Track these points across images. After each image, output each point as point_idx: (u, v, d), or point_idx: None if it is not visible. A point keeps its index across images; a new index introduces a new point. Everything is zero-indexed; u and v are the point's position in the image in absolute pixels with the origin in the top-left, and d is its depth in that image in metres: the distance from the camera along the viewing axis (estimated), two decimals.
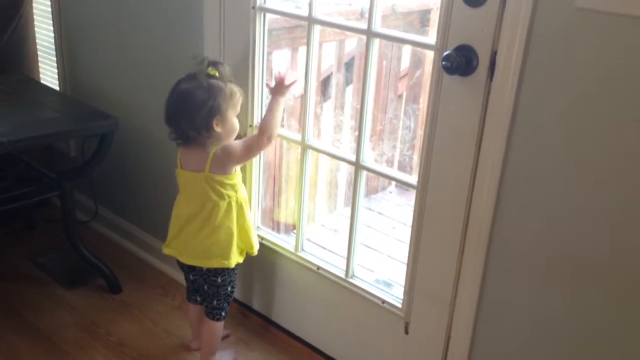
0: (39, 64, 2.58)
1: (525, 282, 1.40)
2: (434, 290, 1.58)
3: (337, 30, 2.26)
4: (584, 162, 1.25)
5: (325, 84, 2.68)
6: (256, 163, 1.93)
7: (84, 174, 2.09)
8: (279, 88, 1.69)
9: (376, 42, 1.58)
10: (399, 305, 1.67)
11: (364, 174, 1.70)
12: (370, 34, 1.55)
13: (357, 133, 1.67)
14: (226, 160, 1.65)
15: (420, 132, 2.64)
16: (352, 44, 2.71)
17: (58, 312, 2.06)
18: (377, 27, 1.55)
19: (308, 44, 1.69)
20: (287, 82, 1.68)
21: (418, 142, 2.70)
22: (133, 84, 2.23)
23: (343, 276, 1.78)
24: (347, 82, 2.74)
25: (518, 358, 1.46)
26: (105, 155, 2.02)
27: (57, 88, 2.51)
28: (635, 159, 1.19)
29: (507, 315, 1.46)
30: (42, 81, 2.56)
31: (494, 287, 1.46)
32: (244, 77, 1.84)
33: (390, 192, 3.07)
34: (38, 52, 2.56)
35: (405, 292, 1.65)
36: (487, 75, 1.34)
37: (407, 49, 2.79)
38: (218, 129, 1.61)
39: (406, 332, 1.67)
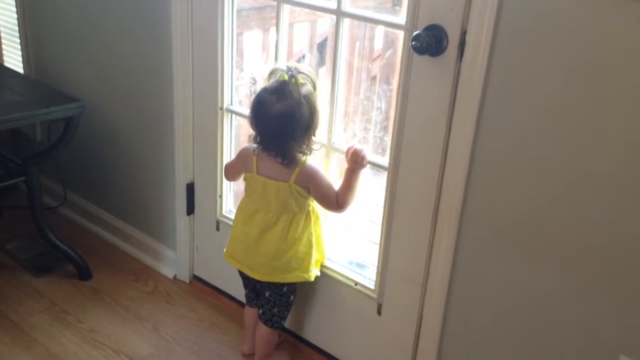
0: (2, 47, 2.51)
1: (496, 261, 1.41)
2: (406, 271, 1.58)
3: (308, 10, 2.23)
4: (554, 139, 1.26)
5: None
6: (228, 145, 1.91)
7: (50, 158, 2.05)
8: (355, 163, 1.57)
9: (346, 22, 1.56)
10: (372, 287, 1.68)
11: (335, 155, 1.69)
12: (340, 13, 1.53)
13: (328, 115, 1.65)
14: (307, 182, 1.57)
15: (392, 114, 2.63)
16: (325, 25, 2.68)
17: (27, 300, 2.02)
18: (347, 7, 1.53)
19: (277, 25, 1.66)
20: (361, 156, 1.56)
21: (390, 124, 2.69)
22: (100, 66, 2.18)
23: None
24: (320, 63, 2.71)
25: (489, 337, 1.48)
26: (72, 139, 1.97)
27: (22, 71, 2.45)
28: (607, 136, 1.19)
29: (479, 295, 1.46)
30: (5, 64, 2.49)
31: (465, 267, 1.47)
32: (212, 58, 1.81)
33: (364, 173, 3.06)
34: (1, 34, 2.49)
35: (377, 274, 1.65)
36: (457, 55, 1.34)
37: (380, 31, 2.77)
38: (316, 133, 1.56)
39: (379, 313, 1.67)
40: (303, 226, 1.61)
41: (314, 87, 1.54)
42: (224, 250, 1.73)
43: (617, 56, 1.14)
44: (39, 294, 2.06)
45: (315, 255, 1.65)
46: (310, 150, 1.56)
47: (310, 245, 1.63)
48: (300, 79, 1.51)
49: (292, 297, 1.71)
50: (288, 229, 1.59)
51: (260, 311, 1.73)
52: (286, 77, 1.50)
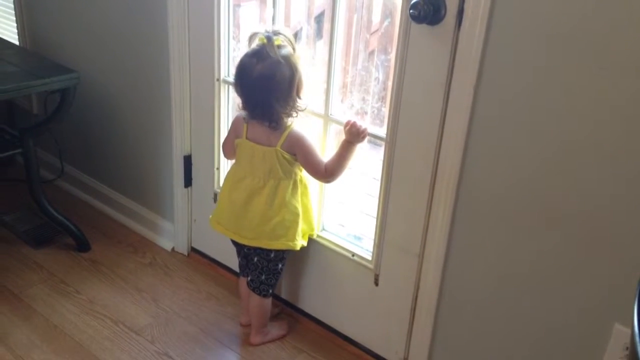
0: None
1: (492, 232, 1.42)
2: (403, 242, 1.59)
3: None
4: (551, 110, 1.25)
5: (295, 38, 2.63)
6: (225, 117, 1.90)
7: (47, 130, 2.04)
8: (353, 136, 1.57)
9: None
10: (369, 258, 1.68)
11: (333, 126, 1.68)
12: None
13: (325, 86, 1.65)
14: (294, 148, 1.59)
15: (389, 84, 2.61)
16: None
17: (26, 272, 2.03)
18: None
19: None
20: (361, 130, 1.55)
21: (387, 94, 2.67)
22: (96, 38, 2.16)
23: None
24: (318, 36, 2.69)
25: (485, 307, 1.49)
26: (68, 110, 1.96)
27: (17, 42, 2.42)
28: (602, 106, 1.19)
29: (475, 265, 1.47)
30: (0, 35, 2.46)
31: (461, 237, 1.47)
32: (209, 29, 1.79)
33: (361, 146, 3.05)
34: None
35: (374, 245, 1.66)
36: (455, 24, 1.32)
37: (379, 3, 2.74)
38: (301, 95, 1.56)
39: (376, 283, 1.68)
40: (290, 194, 1.62)
41: (294, 49, 1.55)
42: (210, 217, 1.73)
43: (614, 23, 1.13)
44: (38, 265, 2.06)
45: (301, 225, 1.66)
46: (296, 111, 1.56)
47: (297, 214, 1.64)
48: (279, 40, 1.51)
49: (280, 265, 1.72)
50: (274, 195, 1.60)
51: (249, 278, 1.74)
52: (265, 40, 1.51)
